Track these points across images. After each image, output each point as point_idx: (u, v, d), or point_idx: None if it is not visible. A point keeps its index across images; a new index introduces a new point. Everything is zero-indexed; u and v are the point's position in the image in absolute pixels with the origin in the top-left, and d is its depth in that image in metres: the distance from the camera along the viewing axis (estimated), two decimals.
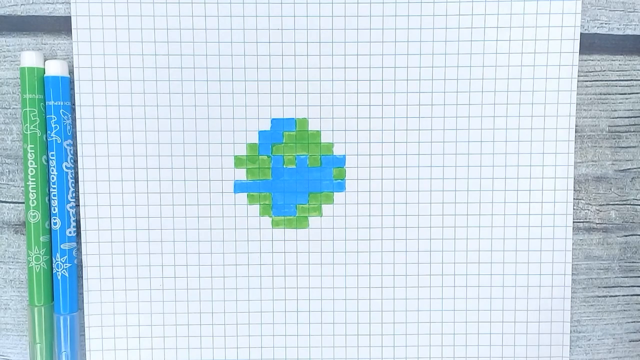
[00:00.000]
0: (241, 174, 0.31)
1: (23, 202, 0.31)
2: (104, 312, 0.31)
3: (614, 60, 0.31)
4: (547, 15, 0.30)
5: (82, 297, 0.31)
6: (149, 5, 0.29)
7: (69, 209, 0.30)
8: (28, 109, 0.29)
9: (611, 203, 0.32)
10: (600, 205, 0.32)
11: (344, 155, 0.31)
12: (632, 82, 0.31)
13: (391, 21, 0.30)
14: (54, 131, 0.29)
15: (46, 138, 0.29)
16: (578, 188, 0.31)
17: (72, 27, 0.30)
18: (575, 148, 0.31)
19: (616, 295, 0.32)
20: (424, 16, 0.30)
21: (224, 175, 0.30)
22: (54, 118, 0.29)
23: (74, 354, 0.30)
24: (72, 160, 0.30)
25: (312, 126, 0.30)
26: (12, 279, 0.31)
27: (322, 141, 0.30)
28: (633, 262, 0.32)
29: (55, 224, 0.30)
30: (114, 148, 0.30)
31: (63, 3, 0.30)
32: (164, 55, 0.30)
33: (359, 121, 0.30)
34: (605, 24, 0.31)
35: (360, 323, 0.31)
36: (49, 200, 0.30)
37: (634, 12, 0.31)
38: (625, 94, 0.31)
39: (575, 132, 0.31)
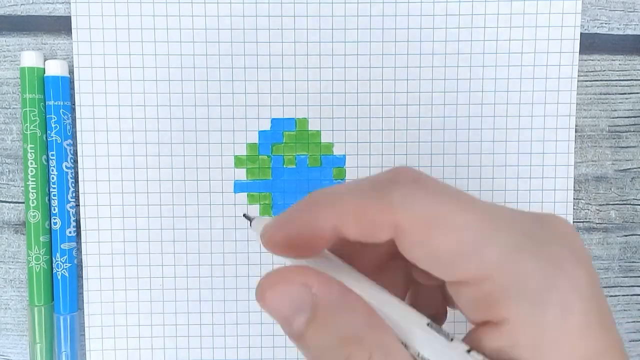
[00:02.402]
0: (241, 174, 0.31)
1: (23, 202, 0.31)
2: (104, 312, 0.31)
3: (614, 60, 0.31)
4: (547, 15, 0.30)
5: (82, 297, 0.31)
6: (149, 5, 0.29)
7: (69, 209, 0.30)
8: (28, 108, 0.29)
9: (611, 203, 0.32)
10: (600, 205, 0.32)
11: (344, 155, 0.31)
12: (632, 82, 0.31)
13: (391, 21, 0.30)
14: (54, 131, 0.29)
15: (46, 138, 0.29)
16: (578, 188, 0.31)
17: (72, 27, 0.30)
18: (575, 148, 0.31)
19: (616, 295, 0.32)
20: (424, 16, 0.30)
21: (224, 175, 0.30)
22: (54, 118, 0.29)
23: (74, 353, 0.30)
24: (72, 160, 0.30)
25: (312, 126, 0.30)
26: (12, 279, 0.31)
27: (322, 141, 0.30)
28: (633, 262, 0.32)
29: (55, 223, 0.30)
30: (114, 148, 0.30)
31: (63, 3, 0.30)
32: (164, 55, 0.30)
33: (359, 121, 0.30)
34: (605, 23, 0.31)
35: None
36: (49, 200, 0.30)
37: (634, 12, 0.31)
38: (625, 93, 0.31)
39: (575, 132, 0.31)
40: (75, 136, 0.30)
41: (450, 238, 0.16)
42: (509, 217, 0.16)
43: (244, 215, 0.23)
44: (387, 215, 0.16)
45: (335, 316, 0.16)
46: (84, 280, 0.31)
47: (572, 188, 0.31)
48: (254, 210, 0.31)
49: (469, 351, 0.16)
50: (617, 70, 0.31)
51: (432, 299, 0.21)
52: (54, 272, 0.30)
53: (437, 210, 0.16)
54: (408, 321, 0.16)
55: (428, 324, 0.16)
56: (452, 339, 0.16)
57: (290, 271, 0.17)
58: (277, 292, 0.17)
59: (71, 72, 0.30)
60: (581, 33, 0.30)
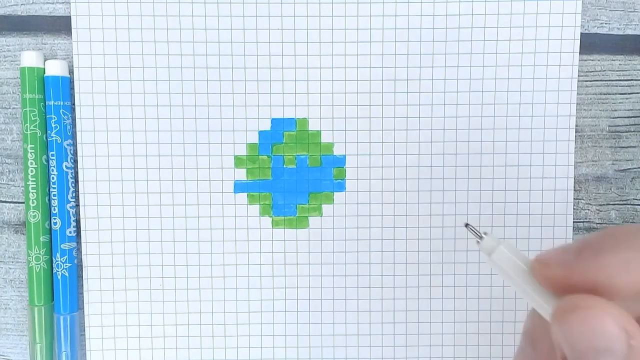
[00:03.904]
0: (241, 174, 0.31)
1: (23, 202, 0.31)
2: (104, 312, 0.31)
3: (614, 60, 0.31)
4: (547, 15, 0.30)
5: (82, 297, 0.31)
6: (149, 5, 0.29)
7: (69, 209, 0.30)
8: (28, 108, 0.29)
9: (611, 203, 0.32)
10: (600, 205, 0.32)
11: (344, 155, 0.31)
12: (632, 82, 0.31)
13: (391, 21, 0.30)
14: (54, 131, 0.29)
15: (46, 138, 0.29)
16: (578, 188, 0.31)
17: (72, 27, 0.30)
18: (575, 148, 0.31)
19: None
20: (424, 16, 0.30)
21: (224, 175, 0.30)
22: (54, 118, 0.29)
23: (74, 353, 0.30)
24: (72, 160, 0.30)
25: (312, 126, 0.30)
26: (12, 279, 0.31)
27: (322, 141, 0.30)
28: None
29: (55, 223, 0.30)
30: (114, 148, 0.30)
31: (63, 3, 0.30)
32: (164, 55, 0.30)
33: (359, 121, 0.30)
34: (605, 23, 0.31)
35: (360, 323, 0.31)
36: (49, 200, 0.30)
37: (634, 12, 0.31)
38: (625, 94, 0.31)
39: (575, 132, 0.31)
40: (75, 136, 0.30)
41: None
42: None
43: (466, 225, 0.18)
44: None
45: None
46: (84, 280, 0.31)
47: (572, 188, 0.31)
48: (254, 210, 0.31)
49: None
50: (617, 70, 0.31)
51: None
52: (54, 272, 0.30)
53: None
54: None
55: None
56: None
57: (607, 305, 0.15)
58: (585, 322, 0.14)
59: (71, 72, 0.30)
60: (581, 33, 0.30)
